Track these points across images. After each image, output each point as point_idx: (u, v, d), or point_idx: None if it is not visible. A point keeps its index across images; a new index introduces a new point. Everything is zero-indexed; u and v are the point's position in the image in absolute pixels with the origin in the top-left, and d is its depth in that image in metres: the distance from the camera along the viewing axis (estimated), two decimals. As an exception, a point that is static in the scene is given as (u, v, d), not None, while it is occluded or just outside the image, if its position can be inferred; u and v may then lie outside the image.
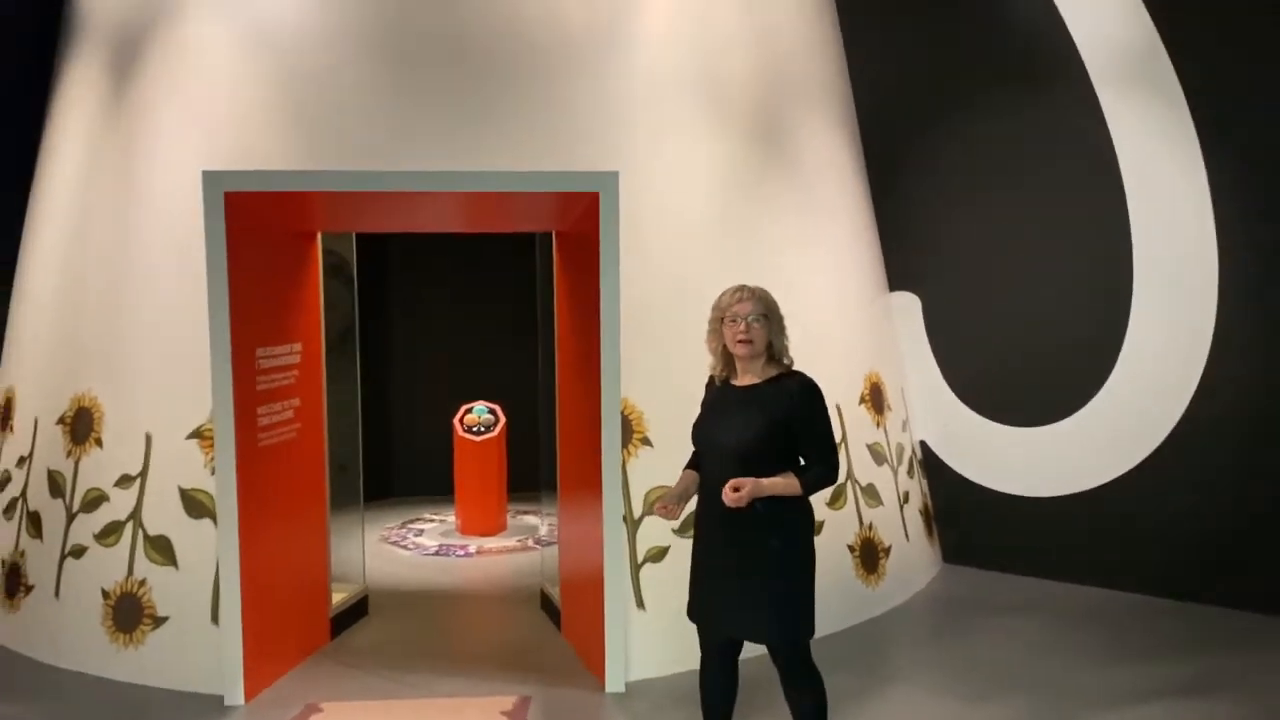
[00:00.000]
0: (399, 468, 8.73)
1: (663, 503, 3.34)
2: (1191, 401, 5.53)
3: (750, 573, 3.27)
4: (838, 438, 5.38)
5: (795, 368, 3.36)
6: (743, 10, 5.50)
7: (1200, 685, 4.46)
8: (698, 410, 3.47)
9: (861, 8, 6.41)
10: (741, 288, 3.35)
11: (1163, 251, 5.58)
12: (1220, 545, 5.50)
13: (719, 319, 3.36)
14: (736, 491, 3.12)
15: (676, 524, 4.70)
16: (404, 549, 7.02)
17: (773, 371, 3.32)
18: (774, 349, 3.33)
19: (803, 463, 3.27)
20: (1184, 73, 5.43)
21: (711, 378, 3.47)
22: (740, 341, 3.28)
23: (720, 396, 3.40)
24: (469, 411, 7.52)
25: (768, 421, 3.22)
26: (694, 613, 3.47)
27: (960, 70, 6.16)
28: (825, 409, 3.31)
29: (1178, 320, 5.55)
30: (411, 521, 7.78)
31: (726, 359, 3.39)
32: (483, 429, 7.44)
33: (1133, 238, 5.65)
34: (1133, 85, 5.59)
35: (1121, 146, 5.66)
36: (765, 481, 3.16)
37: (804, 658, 3.37)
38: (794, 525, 3.30)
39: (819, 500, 4.61)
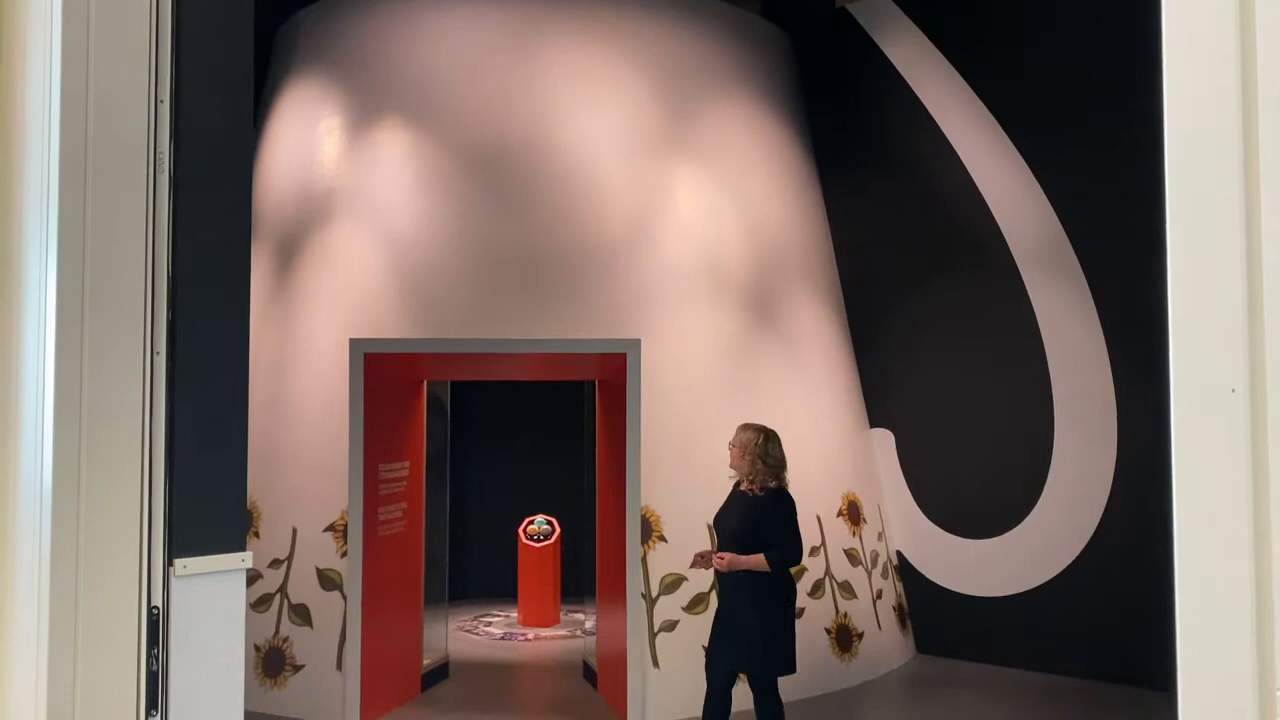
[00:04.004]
0: (471, 570, 10.29)
1: (700, 554, 4.92)
2: (1102, 517, 6.93)
3: (735, 622, 4.82)
4: (817, 541, 6.91)
5: (789, 486, 4.97)
6: (742, 210, 7.30)
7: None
8: (703, 513, 5.14)
9: (843, 195, 8.17)
10: (738, 429, 5.00)
11: (1074, 395, 7.09)
12: (1123, 634, 6.80)
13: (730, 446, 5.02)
14: (722, 560, 4.73)
15: (687, 601, 6.23)
16: (476, 635, 8.55)
17: (766, 484, 4.90)
18: (761, 471, 4.90)
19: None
20: (1081, 255, 7.05)
21: (735, 483, 5.08)
22: (730, 464, 4.94)
23: (731, 498, 5.03)
24: (531, 523, 9.13)
25: (750, 519, 4.83)
26: (708, 653, 4.99)
27: (922, 247, 7.83)
28: (791, 512, 4.89)
29: (1088, 451, 7.01)
30: (482, 616, 9.31)
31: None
32: (541, 537, 9.03)
33: (1051, 384, 7.18)
34: (1045, 264, 7.21)
35: (1039, 311, 7.25)
36: (742, 557, 4.75)
37: (766, 686, 4.85)
38: (766, 590, 4.84)
39: (802, 589, 6.25)
